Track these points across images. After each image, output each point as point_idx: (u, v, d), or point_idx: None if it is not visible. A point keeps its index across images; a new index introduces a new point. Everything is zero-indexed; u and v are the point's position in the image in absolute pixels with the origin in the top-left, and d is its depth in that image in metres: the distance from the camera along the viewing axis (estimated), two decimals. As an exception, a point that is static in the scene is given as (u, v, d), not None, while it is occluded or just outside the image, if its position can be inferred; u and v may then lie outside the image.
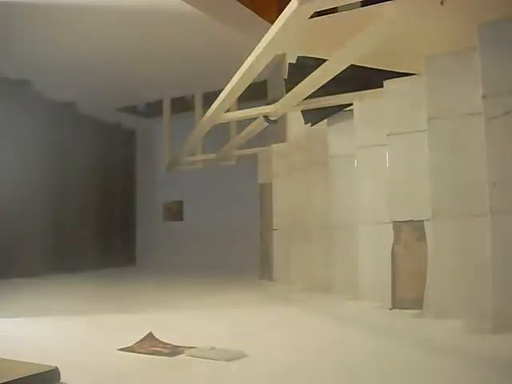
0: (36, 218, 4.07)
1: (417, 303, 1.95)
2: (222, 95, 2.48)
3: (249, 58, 1.98)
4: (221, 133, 4.11)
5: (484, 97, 1.56)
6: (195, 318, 1.92)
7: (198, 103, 4.17)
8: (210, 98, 3.17)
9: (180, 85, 4.05)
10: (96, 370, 1.17)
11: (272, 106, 2.59)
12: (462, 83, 1.78)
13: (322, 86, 2.11)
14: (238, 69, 2.13)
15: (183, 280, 3.59)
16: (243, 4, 2.92)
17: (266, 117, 2.64)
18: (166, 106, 4.44)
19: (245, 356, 1.25)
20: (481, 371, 1.15)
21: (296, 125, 2.93)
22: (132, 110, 4.78)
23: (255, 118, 2.81)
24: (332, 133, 2.59)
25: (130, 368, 1.19)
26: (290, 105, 2.42)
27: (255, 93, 3.57)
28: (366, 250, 2.29)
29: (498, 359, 1.26)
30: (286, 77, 2.74)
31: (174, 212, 5.03)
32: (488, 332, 1.50)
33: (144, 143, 5.22)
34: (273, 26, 1.67)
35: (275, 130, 3.11)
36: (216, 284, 3.23)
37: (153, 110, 4.65)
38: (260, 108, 2.89)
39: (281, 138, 3.17)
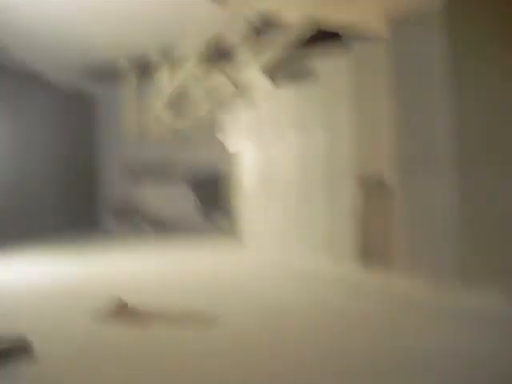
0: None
1: (382, 259, 2.00)
2: (187, 60, 2.43)
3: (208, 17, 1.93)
4: (187, 100, 4.04)
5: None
6: (166, 278, 1.92)
7: (161, 67, 4.08)
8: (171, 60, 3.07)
9: (139, 45, 3.94)
10: (68, 340, 1.16)
11: (237, 70, 2.56)
12: (426, 45, 1.79)
13: (286, 46, 2.10)
14: (197, 30, 2.09)
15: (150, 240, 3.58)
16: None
17: (231, 82, 2.61)
18: (128, 71, 4.34)
19: (217, 321, 1.25)
20: (449, 324, 1.19)
21: (262, 89, 2.91)
22: (94, 75, 4.65)
23: (222, 85, 2.78)
24: (298, 96, 2.59)
25: (104, 339, 1.18)
26: (255, 67, 2.40)
27: (221, 56, 3.51)
28: (325, 205, 2.32)
29: (466, 310, 1.31)
30: (249, 39, 2.71)
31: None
32: (453, 285, 1.55)
33: (108, 110, 5.12)
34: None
35: (242, 96, 3.08)
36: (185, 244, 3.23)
37: (116, 76, 4.54)
38: (225, 73, 2.85)
39: (248, 103, 3.15)
